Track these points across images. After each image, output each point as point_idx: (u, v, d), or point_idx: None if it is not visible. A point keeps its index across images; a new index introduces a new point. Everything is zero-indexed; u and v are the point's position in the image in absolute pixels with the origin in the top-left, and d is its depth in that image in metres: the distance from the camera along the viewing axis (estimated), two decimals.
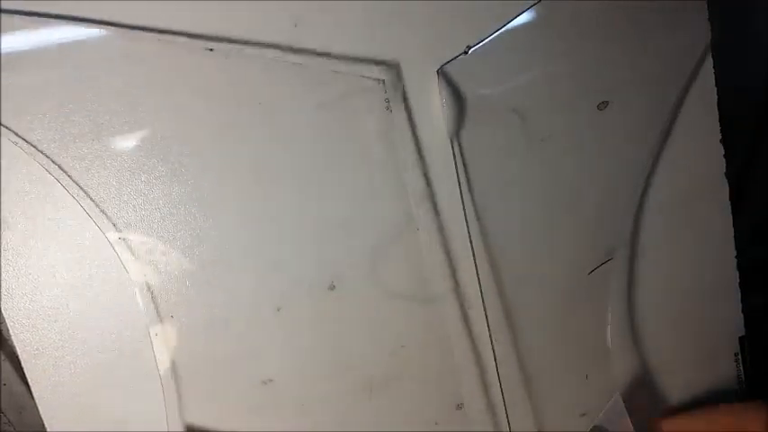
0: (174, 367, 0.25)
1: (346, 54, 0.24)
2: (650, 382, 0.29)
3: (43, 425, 0.25)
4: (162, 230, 0.24)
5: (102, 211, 0.23)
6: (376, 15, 0.24)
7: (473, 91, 0.25)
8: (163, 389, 0.25)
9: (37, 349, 0.24)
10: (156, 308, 0.24)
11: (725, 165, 0.28)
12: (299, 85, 0.24)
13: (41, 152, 0.23)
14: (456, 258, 0.26)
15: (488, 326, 0.27)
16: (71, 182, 0.23)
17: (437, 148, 0.25)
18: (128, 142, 0.23)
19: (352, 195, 0.25)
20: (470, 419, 0.28)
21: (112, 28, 0.22)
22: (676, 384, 0.30)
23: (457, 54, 0.24)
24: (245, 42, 0.23)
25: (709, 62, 0.27)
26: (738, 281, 0.29)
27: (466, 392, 0.27)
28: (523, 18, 0.24)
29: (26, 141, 0.22)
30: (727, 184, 0.28)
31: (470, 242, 0.26)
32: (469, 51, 0.24)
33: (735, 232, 0.29)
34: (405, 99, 0.24)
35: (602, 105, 0.26)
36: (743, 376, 0.30)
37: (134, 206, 0.24)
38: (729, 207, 0.28)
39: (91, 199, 0.23)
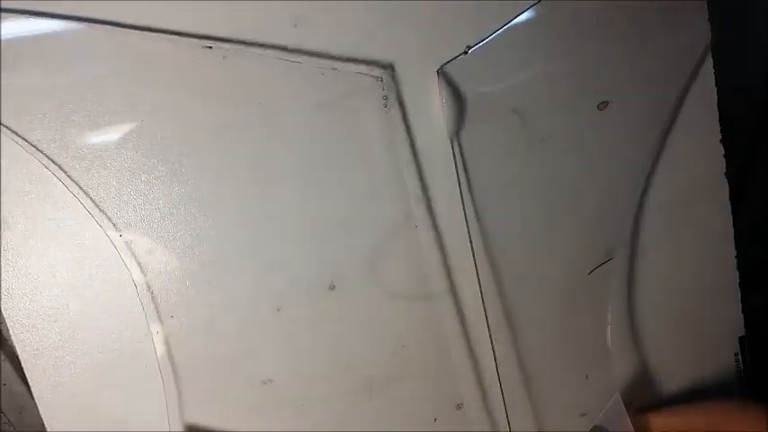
0: (174, 367, 0.25)
1: (345, 53, 0.24)
2: (650, 382, 0.29)
3: (43, 425, 0.25)
4: (162, 230, 0.24)
5: (102, 211, 0.23)
6: (375, 15, 0.24)
7: (473, 91, 0.25)
8: (163, 389, 0.25)
9: (37, 349, 0.24)
10: (156, 308, 0.24)
11: (725, 165, 0.28)
12: (298, 84, 0.24)
13: (41, 152, 0.23)
14: (455, 258, 0.26)
15: (488, 326, 0.27)
16: (71, 182, 0.23)
17: (436, 147, 0.25)
18: (128, 142, 0.23)
19: (351, 195, 0.25)
20: (470, 419, 0.28)
21: (113, 28, 0.22)
22: (676, 384, 0.30)
23: (456, 54, 0.24)
24: (245, 42, 0.23)
25: (709, 62, 0.27)
26: (738, 281, 0.29)
27: (466, 392, 0.27)
28: (523, 18, 0.24)
29: (26, 141, 0.22)
30: (727, 184, 0.28)
31: (470, 242, 0.26)
32: (469, 51, 0.24)
33: (735, 232, 0.29)
34: (399, 99, 0.24)
35: (602, 105, 0.26)
36: (743, 376, 0.30)
37: (134, 206, 0.24)
38: (729, 207, 0.28)
39: (91, 199, 0.23)
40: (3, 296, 0.24)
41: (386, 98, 0.24)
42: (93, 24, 0.22)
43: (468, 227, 0.26)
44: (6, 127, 0.22)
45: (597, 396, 0.29)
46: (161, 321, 0.24)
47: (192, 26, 0.22)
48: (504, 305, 0.27)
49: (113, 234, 0.24)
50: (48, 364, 0.24)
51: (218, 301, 0.25)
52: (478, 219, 0.26)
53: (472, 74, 0.25)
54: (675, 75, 0.27)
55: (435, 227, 0.26)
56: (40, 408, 0.25)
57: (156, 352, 0.25)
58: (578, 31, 0.25)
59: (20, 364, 0.24)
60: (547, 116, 0.26)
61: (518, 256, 0.27)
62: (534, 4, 0.24)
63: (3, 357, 0.33)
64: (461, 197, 0.25)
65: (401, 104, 0.24)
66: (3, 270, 0.23)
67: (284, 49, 0.23)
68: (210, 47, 0.23)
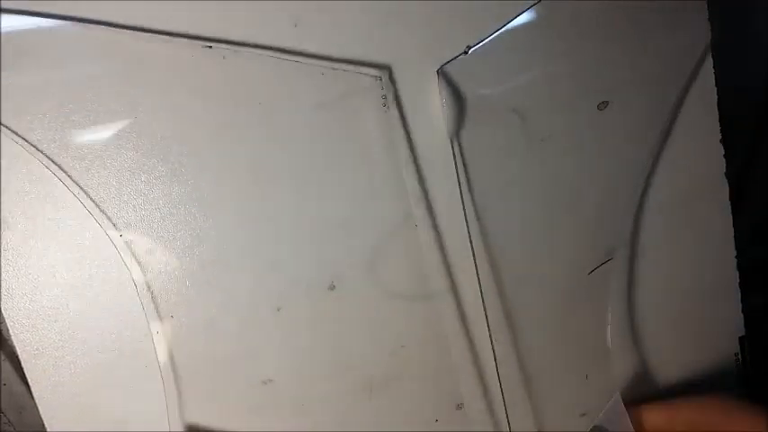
0: (174, 367, 0.25)
1: (344, 53, 0.24)
2: (650, 382, 0.29)
3: (43, 425, 0.25)
4: (162, 230, 0.24)
5: (103, 211, 0.23)
6: (374, 15, 0.24)
7: (473, 91, 0.25)
8: (163, 389, 0.25)
9: (37, 349, 0.24)
10: (156, 308, 0.24)
11: (725, 165, 0.28)
12: (298, 84, 0.24)
13: (41, 152, 0.23)
14: (455, 258, 0.26)
15: (488, 326, 0.27)
16: (71, 182, 0.23)
17: (435, 147, 0.25)
18: (128, 142, 0.23)
19: (350, 195, 0.25)
20: (470, 419, 0.28)
21: (112, 28, 0.22)
22: (676, 384, 0.30)
23: (456, 54, 0.24)
24: (245, 43, 0.23)
25: (709, 62, 0.27)
26: (738, 281, 0.29)
27: (466, 392, 0.27)
28: (523, 18, 0.24)
29: (26, 141, 0.22)
30: (727, 184, 0.28)
31: (470, 242, 0.26)
32: (469, 51, 0.24)
33: (735, 232, 0.29)
34: (399, 99, 0.24)
35: (603, 105, 0.26)
36: (743, 376, 0.30)
37: (134, 206, 0.24)
38: (729, 207, 0.28)
39: (91, 199, 0.23)
40: (3, 296, 0.24)
41: (385, 98, 0.24)
42: (92, 25, 0.22)
43: (468, 227, 0.26)
44: (6, 127, 0.22)
45: (597, 396, 0.29)
46: (161, 321, 0.24)
47: (192, 26, 0.23)
48: (505, 305, 0.27)
49: (113, 234, 0.24)
50: (48, 364, 0.24)
51: (218, 301, 0.25)
52: (478, 218, 0.26)
53: (472, 74, 0.25)
54: (675, 75, 0.27)
55: (435, 227, 0.26)
56: (40, 408, 0.25)
57: (156, 352, 0.25)
58: (578, 32, 0.25)
59: (20, 364, 0.24)
60: (547, 116, 0.26)
61: (518, 256, 0.27)
62: (534, 5, 0.24)
63: (3, 357, 0.33)
64: (461, 197, 0.25)
65: (400, 104, 0.24)
66: (3, 270, 0.23)
67: (283, 49, 0.23)
68: (210, 47, 0.23)
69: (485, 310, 0.27)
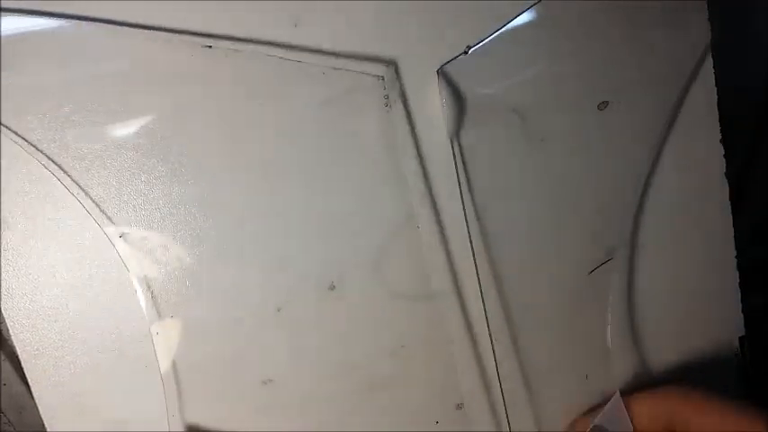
0: (174, 367, 0.25)
1: (346, 52, 0.24)
2: (650, 382, 0.29)
3: (43, 425, 0.25)
4: (162, 230, 0.24)
5: (103, 211, 0.23)
6: (376, 14, 0.24)
7: (473, 91, 0.25)
8: (163, 389, 0.25)
9: (37, 349, 0.24)
10: (157, 308, 0.24)
11: (725, 165, 0.28)
12: (299, 83, 0.24)
13: (41, 152, 0.23)
14: (457, 258, 0.26)
15: (488, 326, 0.27)
16: (71, 182, 0.23)
17: (437, 146, 0.25)
18: (128, 142, 0.23)
19: (351, 195, 0.25)
20: (470, 419, 0.28)
21: (113, 28, 0.22)
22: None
23: (457, 54, 0.24)
24: (245, 40, 0.23)
25: (710, 62, 0.27)
26: (738, 281, 0.29)
27: (466, 392, 0.27)
28: (523, 18, 0.24)
29: (26, 141, 0.22)
30: (727, 184, 0.28)
31: (470, 242, 0.26)
32: (470, 51, 0.24)
33: (735, 232, 0.29)
34: (403, 97, 0.24)
35: (603, 105, 0.26)
36: (743, 377, 0.30)
37: (134, 206, 0.24)
38: (729, 207, 0.28)
39: (91, 199, 0.23)
40: (3, 296, 0.24)
41: (387, 97, 0.24)
42: (92, 24, 0.22)
43: (467, 226, 0.26)
44: (6, 127, 0.22)
45: (597, 396, 0.29)
46: (161, 321, 0.24)
47: (192, 26, 0.23)
48: (505, 305, 0.27)
49: (113, 234, 0.24)
50: (48, 364, 0.24)
51: (218, 300, 0.25)
52: (479, 218, 0.26)
53: (473, 74, 0.25)
54: (675, 75, 0.27)
55: (437, 226, 0.26)
56: (40, 408, 0.25)
57: (156, 352, 0.25)
58: (578, 32, 0.25)
59: (20, 364, 0.24)
60: (546, 116, 0.26)
61: (518, 256, 0.27)
62: (534, 4, 0.24)
63: (3, 357, 0.33)
64: (461, 197, 0.25)
65: (403, 104, 0.24)
66: (3, 270, 0.23)
67: (284, 47, 0.23)
68: (210, 46, 0.23)
69: (485, 310, 0.27)
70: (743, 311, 0.30)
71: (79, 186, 0.23)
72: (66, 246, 0.24)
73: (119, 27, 0.22)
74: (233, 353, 0.25)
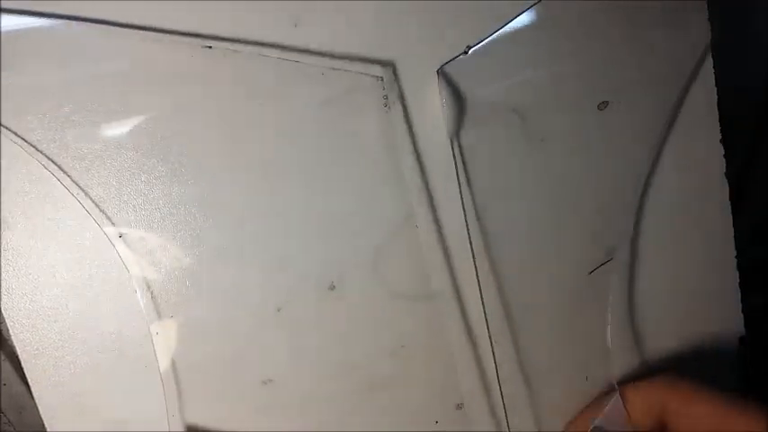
0: (174, 367, 0.25)
1: (345, 52, 0.24)
2: (642, 374, 0.29)
3: (43, 425, 0.25)
4: (162, 230, 0.24)
5: (102, 211, 0.23)
6: (376, 14, 0.24)
7: (473, 91, 0.25)
8: (163, 389, 0.25)
9: (37, 349, 0.24)
10: (157, 308, 0.24)
11: (725, 165, 0.28)
12: (299, 83, 0.24)
13: (41, 152, 0.23)
14: (457, 258, 0.26)
15: (488, 326, 0.27)
16: (71, 182, 0.23)
17: (437, 146, 0.25)
18: (128, 142, 0.23)
19: (351, 195, 0.25)
20: (470, 419, 0.28)
21: (112, 28, 0.22)
22: None
23: (457, 54, 0.24)
24: (245, 41, 0.23)
25: (710, 62, 0.27)
26: (738, 281, 0.29)
27: (466, 392, 0.27)
28: (523, 18, 0.24)
29: (26, 141, 0.22)
30: (727, 184, 0.28)
31: (470, 242, 0.26)
32: (469, 51, 0.24)
33: (735, 232, 0.29)
34: (402, 97, 0.24)
35: (603, 105, 0.26)
36: (743, 376, 0.30)
37: (134, 206, 0.24)
38: (729, 207, 0.28)
39: (91, 199, 0.23)
40: (3, 296, 0.24)
41: (386, 98, 0.24)
42: (92, 24, 0.22)
43: (467, 226, 0.26)
44: (6, 127, 0.22)
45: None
46: (161, 321, 0.24)
47: (192, 26, 0.23)
48: (505, 305, 0.27)
49: (113, 234, 0.24)
50: (48, 364, 0.24)
51: (218, 301, 0.25)
52: (479, 218, 0.26)
53: (473, 74, 0.25)
54: (675, 75, 0.27)
55: (437, 226, 0.26)
56: (40, 408, 0.25)
57: (155, 352, 0.25)
58: (578, 32, 0.25)
59: (20, 364, 0.24)
60: (547, 116, 0.26)
61: (518, 256, 0.27)
62: (534, 4, 0.24)
63: (3, 357, 0.33)
64: (461, 197, 0.25)
65: (402, 104, 0.24)
66: (3, 270, 0.23)
67: (284, 47, 0.23)
68: (210, 46, 0.23)
69: (484, 310, 0.27)
70: (743, 311, 0.30)
71: (79, 187, 0.23)
72: (66, 246, 0.24)
73: (119, 28, 0.22)
74: (233, 353, 0.25)
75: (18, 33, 0.22)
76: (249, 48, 0.23)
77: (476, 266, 0.26)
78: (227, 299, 0.25)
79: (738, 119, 0.31)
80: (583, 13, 0.25)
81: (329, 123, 0.24)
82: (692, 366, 0.30)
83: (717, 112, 0.27)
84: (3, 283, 0.24)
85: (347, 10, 0.23)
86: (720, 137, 0.28)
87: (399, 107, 0.24)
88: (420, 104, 0.25)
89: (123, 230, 0.24)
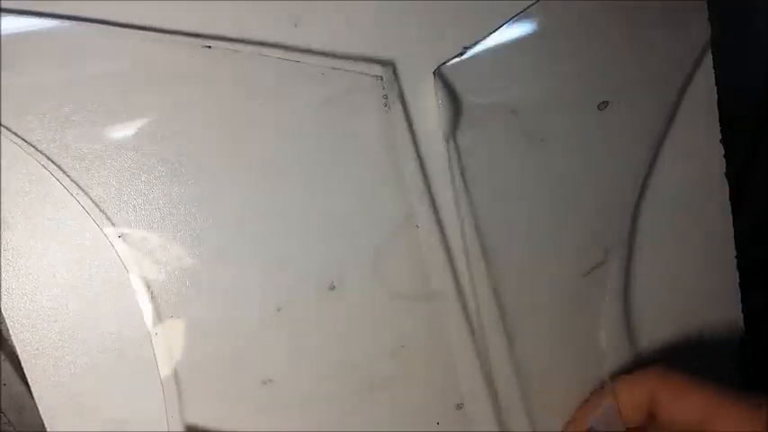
0: (174, 367, 0.25)
1: (345, 52, 0.24)
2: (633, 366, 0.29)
3: (43, 425, 0.25)
4: (162, 230, 0.24)
5: (102, 212, 0.23)
6: (376, 14, 0.24)
7: (472, 91, 0.25)
8: (163, 389, 0.25)
9: (37, 349, 0.24)
10: (156, 308, 0.24)
11: (725, 165, 0.28)
12: (299, 83, 0.24)
13: (41, 152, 0.23)
14: (456, 257, 0.26)
15: (487, 326, 0.27)
16: (71, 182, 0.23)
17: (437, 145, 0.25)
18: (128, 142, 0.23)
19: (351, 196, 0.25)
20: (470, 419, 0.28)
21: (112, 28, 0.22)
22: None
23: (455, 54, 0.24)
24: (244, 41, 0.23)
25: (710, 62, 0.27)
26: (738, 281, 0.29)
27: (466, 392, 0.27)
28: (523, 18, 0.24)
29: (26, 141, 0.22)
30: (727, 184, 0.28)
31: (465, 244, 0.26)
32: (466, 53, 0.24)
33: (735, 232, 0.29)
34: (402, 97, 0.24)
35: (602, 105, 0.26)
36: (743, 377, 0.30)
37: (134, 206, 0.24)
38: (729, 207, 0.28)
39: (90, 199, 0.23)
40: (3, 296, 0.24)
41: (386, 97, 0.24)
42: (92, 24, 0.22)
43: (462, 226, 0.26)
44: (6, 128, 0.22)
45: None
46: (161, 321, 0.24)
47: (191, 26, 0.23)
48: (504, 305, 0.27)
49: (113, 234, 0.24)
50: (48, 364, 0.24)
51: (218, 301, 0.25)
52: (478, 219, 0.26)
53: (471, 74, 0.25)
54: (675, 75, 0.27)
55: (437, 227, 0.26)
56: (40, 408, 0.25)
57: (156, 352, 0.25)
58: (578, 32, 0.25)
59: (20, 364, 0.24)
60: (547, 116, 0.26)
61: (517, 257, 0.27)
62: (533, 4, 0.24)
63: (3, 357, 0.33)
64: (456, 197, 0.25)
65: (402, 104, 0.24)
66: (3, 270, 0.23)
67: (284, 47, 0.23)
68: (210, 46, 0.23)
69: (482, 310, 0.27)
70: (743, 311, 0.30)
71: (79, 187, 0.23)
72: (66, 246, 0.24)
73: (119, 28, 0.22)
74: (233, 353, 0.25)
75: (18, 33, 0.22)
76: (249, 48, 0.23)
77: (473, 267, 0.26)
78: (227, 299, 0.25)
79: (738, 119, 0.31)
80: (583, 13, 0.25)
81: (329, 123, 0.24)
82: (692, 366, 0.30)
83: (717, 112, 0.27)
84: (3, 283, 0.24)
85: (347, 10, 0.23)
86: (720, 137, 0.28)
87: (399, 107, 0.24)
88: (420, 104, 0.25)
89: (123, 230, 0.24)
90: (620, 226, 0.28)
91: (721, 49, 0.27)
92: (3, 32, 0.21)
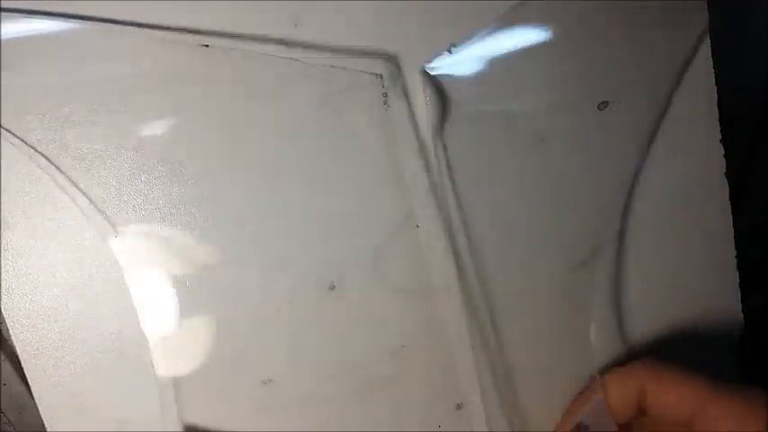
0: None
1: (344, 50, 0.24)
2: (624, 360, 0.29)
3: (43, 425, 0.25)
4: (162, 230, 0.24)
5: (102, 212, 0.23)
6: (376, 12, 0.24)
7: (459, 90, 0.25)
8: (163, 389, 0.25)
9: (37, 349, 0.24)
10: (157, 308, 0.24)
11: (725, 165, 0.28)
12: (299, 83, 0.24)
13: (41, 153, 0.23)
14: (457, 256, 0.26)
15: (487, 326, 0.27)
16: (70, 182, 0.23)
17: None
18: (128, 142, 0.23)
19: (351, 194, 0.25)
20: (470, 419, 0.28)
21: (112, 27, 0.22)
22: None
23: (455, 53, 0.24)
24: (243, 37, 0.23)
25: (710, 62, 0.27)
26: (738, 281, 0.29)
27: (466, 392, 0.27)
28: (522, 18, 0.24)
29: (25, 143, 0.22)
30: (727, 184, 0.28)
31: (453, 242, 0.26)
32: (453, 51, 0.24)
33: (735, 232, 0.29)
34: (402, 96, 0.24)
35: (603, 105, 0.26)
36: (743, 377, 0.30)
37: (134, 206, 0.24)
38: (729, 207, 0.28)
39: (90, 199, 0.23)
40: (3, 296, 0.24)
41: (386, 95, 0.24)
42: (92, 24, 0.22)
43: (451, 226, 0.26)
44: (6, 129, 0.22)
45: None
46: (161, 321, 0.24)
47: (191, 24, 0.22)
48: (503, 305, 0.27)
49: (113, 234, 0.24)
50: (48, 364, 0.24)
51: (218, 301, 0.25)
52: (476, 219, 0.26)
53: (471, 74, 0.25)
54: (675, 75, 0.27)
55: (435, 223, 0.26)
56: (40, 408, 0.25)
57: (155, 352, 0.25)
58: (578, 32, 0.25)
59: (20, 364, 0.24)
60: (547, 116, 0.26)
61: (517, 257, 0.27)
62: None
63: (3, 357, 0.33)
64: (439, 195, 0.25)
65: (402, 102, 0.24)
66: (3, 270, 0.23)
67: (284, 45, 0.23)
68: (208, 45, 0.23)
69: (481, 310, 0.27)
70: (743, 311, 0.30)
71: (78, 187, 0.23)
72: (66, 246, 0.24)
73: (119, 27, 0.22)
74: (233, 353, 0.25)
75: (18, 33, 0.22)
76: (248, 46, 0.23)
77: (473, 267, 0.26)
78: (228, 299, 0.25)
79: (738, 119, 0.31)
80: (583, 13, 0.25)
81: (329, 123, 0.24)
82: (692, 366, 0.30)
83: (717, 112, 0.27)
84: (3, 283, 0.24)
85: (347, 9, 0.23)
86: (720, 137, 0.28)
87: (399, 106, 0.24)
88: (420, 102, 0.25)
89: (123, 231, 0.24)
90: (622, 225, 0.28)
91: (721, 49, 0.27)
92: (3, 32, 0.21)
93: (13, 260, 0.23)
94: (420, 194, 0.25)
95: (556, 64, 0.25)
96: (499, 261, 0.27)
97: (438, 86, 0.24)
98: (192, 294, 0.25)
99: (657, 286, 0.29)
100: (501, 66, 0.25)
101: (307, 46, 0.23)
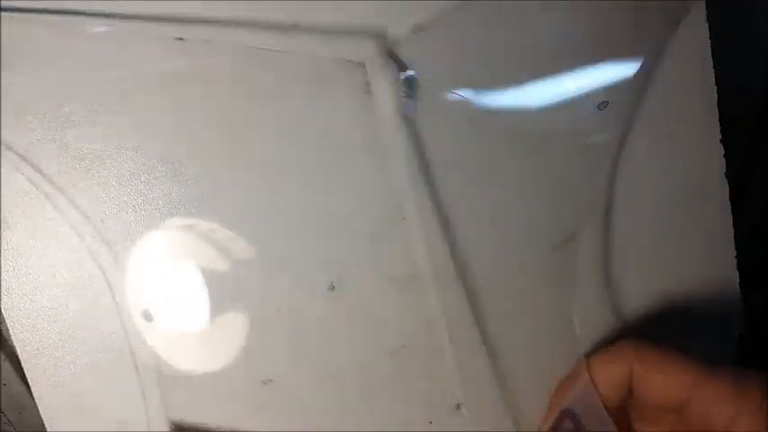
0: (173, 367, 0.25)
1: (327, 36, 0.23)
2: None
3: (43, 425, 0.25)
4: (162, 230, 0.24)
5: (102, 212, 0.23)
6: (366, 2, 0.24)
7: (429, 75, 0.24)
8: (163, 389, 0.25)
9: (37, 349, 0.24)
10: (157, 308, 0.24)
11: (725, 165, 0.28)
12: (299, 83, 0.24)
13: (40, 153, 0.23)
14: (457, 255, 0.26)
15: (486, 326, 0.27)
16: (71, 183, 0.23)
17: (436, 141, 0.25)
18: (128, 142, 0.23)
19: (351, 194, 0.25)
20: (469, 419, 0.28)
21: (113, 26, 0.22)
22: None
23: (454, 53, 0.24)
24: (242, 34, 0.23)
25: (710, 62, 0.27)
26: (738, 281, 0.29)
27: (465, 392, 0.27)
28: (522, 18, 0.24)
29: (17, 155, 0.22)
30: (727, 184, 0.28)
31: (443, 236, 0.26)
32: (418, 32, 0.23)
33: (735, 232, 0.29)
34: (388, 87, 0.24)
35: (602, 105, 0.26)
36: None
37: (134, 206, 0.24)
38: (729, 207, 0.28)
39: (90, 200, 0.23)
40: (3, 296, 0.24)
41: (367, 83, 0.24)
42: (93, 23, 0.22)
43: (438, 221, 0.25)
44: (5, 129, 0.22)
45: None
46: (161, 321, 0.24)
47: (165, 12, 0.22)
48: (503, 305, 0.27)
49: (113, 234, 0.24)
50: (48, 364, 0.24)
51: (218, 301, 0.25)
52: (476, 218, 0.26)
53: (471, 74, 0.25)
54: (675, 75, 0.27)
55: (426, 216, 0.26)
56: (40, 408, 0.25)
57: (155, 352, 0.25)
58: (577, 31, 0.25)
59: (20, 364, 0.24)
60: (547, 116, 0.26)
61: (518, 257, 0.27)
62: None
63: (3, 357, 0.33)
64: (421, 188, 0.25)
65: (384, 90, 0.24)
66: (3, 270, 0.23)
67: (282, 40, 0.23)
68: (182, 38, 0.22)
69: (480, 310, 0.27)
70: (743, 311, 0.30)
71: (78, 188, 0.23)
72: (66, 246, 0.24)
73: (119, 27, 0.22)
74: (233, 353, 0.25)
75: (18, 33, 0.22)
76: (227, 36, 0.22)
77: (471, 266, 0.26)
78: (227, 299, 0.25)
79: (738, 119, 0.31)
80: (581, 12, 0.25)
81: (329, 123, 0.24)
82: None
83: (717, 112, 0.27)
84: (3, 283, 0.24)
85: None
86: (720, 137, 0.28)
87: (383, 90, 0.24)
88: (397, 91, 0.24)
89: (123, 231, 0.24)
90: (622, 225, 0.28)
91: (721, 49, 0.27)
92: (3, 32, 0.21)
93: (13, 260, 0.23)
94: (406, 186, 0.25)
95: (556, 64, 0.25)
96: (507, 262, 0.27)
97: (405, 70, 0.24)
98: (192, 294, 0.25)
99: (659, 287, 0.29)
100: (499, 66, 0.25)
101: (305, 44, 0.23)
